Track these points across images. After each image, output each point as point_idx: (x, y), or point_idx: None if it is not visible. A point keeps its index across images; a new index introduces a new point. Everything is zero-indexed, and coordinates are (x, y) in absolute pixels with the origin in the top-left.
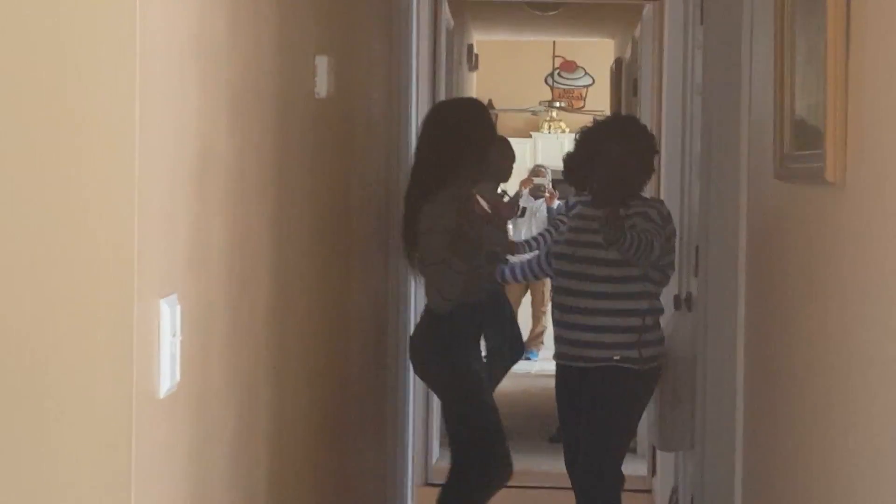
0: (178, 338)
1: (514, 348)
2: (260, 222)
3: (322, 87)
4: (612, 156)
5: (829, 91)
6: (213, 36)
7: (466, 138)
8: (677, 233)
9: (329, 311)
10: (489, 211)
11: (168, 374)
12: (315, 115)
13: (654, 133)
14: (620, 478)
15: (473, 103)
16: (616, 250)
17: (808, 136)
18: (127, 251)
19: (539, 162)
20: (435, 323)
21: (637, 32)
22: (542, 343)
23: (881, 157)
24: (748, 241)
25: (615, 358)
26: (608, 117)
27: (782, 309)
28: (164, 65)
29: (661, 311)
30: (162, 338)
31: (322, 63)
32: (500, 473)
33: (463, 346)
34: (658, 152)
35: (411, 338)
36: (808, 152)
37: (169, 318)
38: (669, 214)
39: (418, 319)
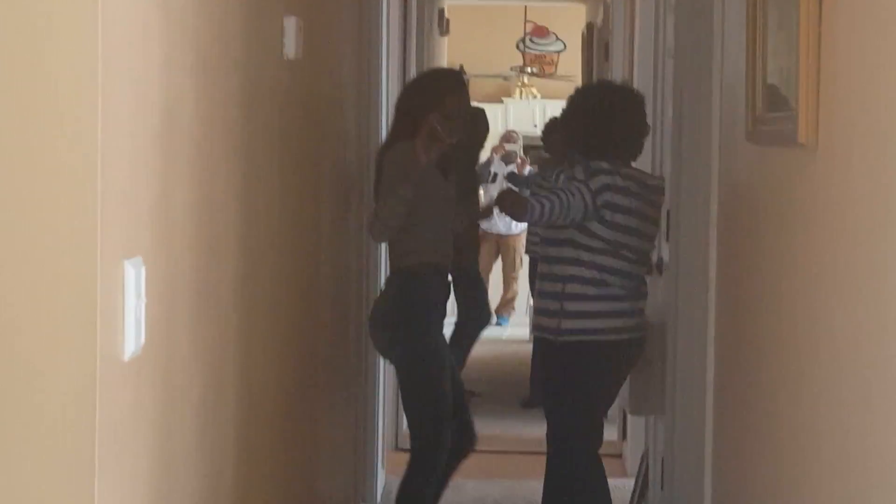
0: (143, 300)
1: (483, 315)
2: (227, 186)
3: (290, 48)
4: (603, 106)
5: (802, 53)
6: None
7: (437, 102)
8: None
9: (299, 276)
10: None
11: (133, 336)
12: (283, 76)
13: None
14: (577, 450)
15: (453, 73)
16: (529, 223)
17: (779, 99)
18: (90, 212)
19: (511, 127)
20: (400, 286)
21: None
22: (513, 309)
23: (852, 120)
24: (720, 205)
25: (544, 325)
26: (596, 85)
27: (754, 274)
28: (127, 25)
29: (596, 281)
30: (126, 300)
31: (290, 24)
32: (463, 441)
33: (426, 312)
34: (637, 117)
35: (374, 303)
36: (780, 114)
37: (133, 279)
38: (605, 170)
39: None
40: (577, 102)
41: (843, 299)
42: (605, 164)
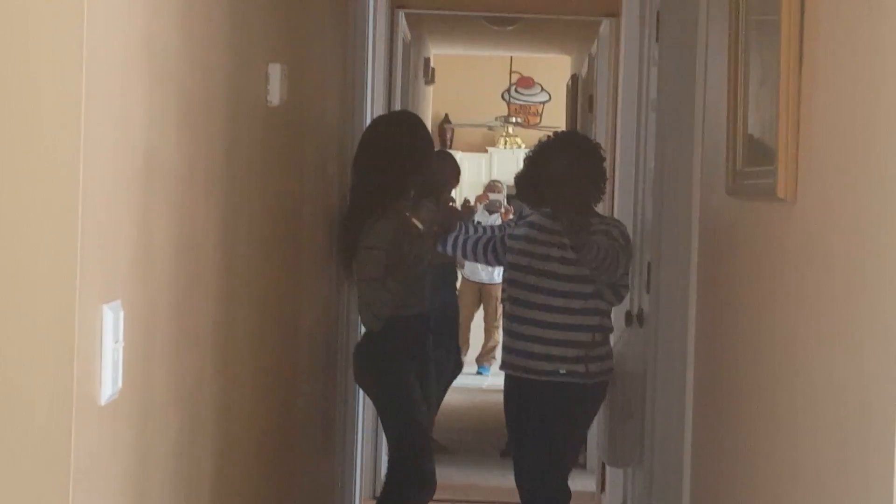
0: (121, 344)
1: (455, 363)
2: (207, 230)
3: (275, 94)
4: (558, 172)
5: (782, 109)
6: (163, 41)
7: (403, 153)
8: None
9: (277, 320)
10: (426, 225)
11: (110, 380)
12: (266, 122)
13: (606, 147)
14: (566, 492)
15: (408, 117)
16: (582, 258)
17: (760, 153)
18: (69, 256)
19: (495, 177)
20: (370, 337)
21: (593, 49)
22: (493, 358)
23: (831, 175)
24: (700, 257)
25: (561, 372)
26: (551, 136)
27: (732, 326)
28: (111, 69)
29: (610, 329)
30: (104, 344)
31: (275, 71)
32: (421, 491)
33: (398, 360)
34: (605, 160)
35: (354, 349)
36: (759, 168)
37: (112, 323)
38: (629, 235)
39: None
40: (529, 159)
41: (821, 351)
42: (622, 224)
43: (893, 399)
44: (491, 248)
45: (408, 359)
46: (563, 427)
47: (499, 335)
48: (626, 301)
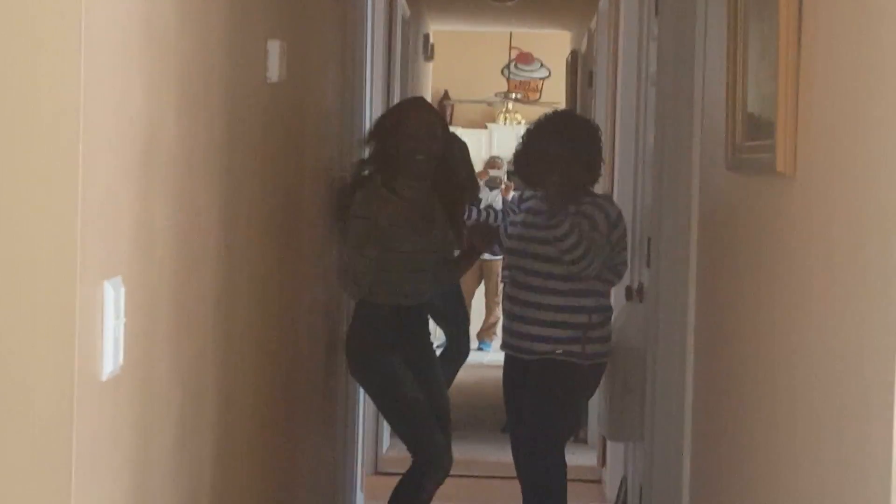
0: (123, 320)
1: (462, 350)
2: (208, 208)
3: (273, 71)
4: (549, 154)
5: (781, 83)
6: (162, 20)
7: (387, 131)
8: (629, 228)
9: (279, 299)
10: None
11: (111, 356)
12: (266, 100)
13: (606, 122)
14: (560, 466)
15: (407, 100)
16: (562, 251)
17: (759, 128)
18: (70, 232)
19: (495, 153)
20: (350, 330)
21: (593, 24)
22: (494, 334)
23: (830, 149)
24: (700, 233)
25: (558, 352)
26: (546, 116)
27: (732, 300)
28: (110, 46)
29: (609, 308)
30: (105, 320)
31: (274, 47)
32: (429, 473)
33: (378, 351)
34: (600, 142)
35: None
36: (759, 143)
37: (113, 299)
38: (620, 215)
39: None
40: (527, 133)
41: (820, 326)
42: (618, 208)
43: (893, 356)
44: (497, 241)
45: (387, 349)
46: (557, 405)
47: (499, 311)
48: (627, 276)
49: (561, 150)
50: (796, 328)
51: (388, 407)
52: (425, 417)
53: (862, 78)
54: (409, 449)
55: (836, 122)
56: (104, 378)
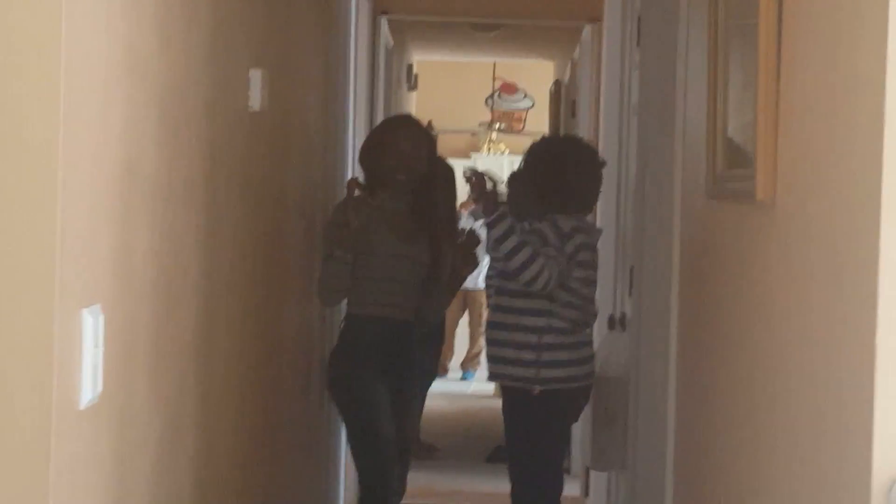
0: (101, 349)
1: (430, 371)
2: (188, 236)
3: (256, 100)
4: (576, 171)
5: (760, 112)
6: (143, 48)
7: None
8: (610, 257)
9: (260, 327)
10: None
11: (90, 385)
12: (248, 128)
13: None
14: (548, 496)
15: (393, 118)
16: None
17: (739, 156)
18: (48, 260)
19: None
20: (339, 337)
21: (576, 54)
22: (478, 363)
23: (809, 177)
24: (682, 261)
25: (508, 374)
26: (556, 137)
27: (714, 329)
28: (91, 74)
29: (565, 331)
30: (84, 348)
31: (256, 76)
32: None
33: (358, 365)
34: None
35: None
36: (739, 171)
37: (91, 328)
38: (574, 228)
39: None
40: (538, 154)
41: (800, 354)
42: (576, 223)
43: (870, 397)
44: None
45: (370, 372)
46: (511, 434)
47: (483, 341)
48: (609, 305)
49: (542, 167)
50: (777, 355)
51: (355, 434)
52: (388, 456)
53: (840, 107)
54: (360, 477)
55: (816, 150)
56: (82, 407)
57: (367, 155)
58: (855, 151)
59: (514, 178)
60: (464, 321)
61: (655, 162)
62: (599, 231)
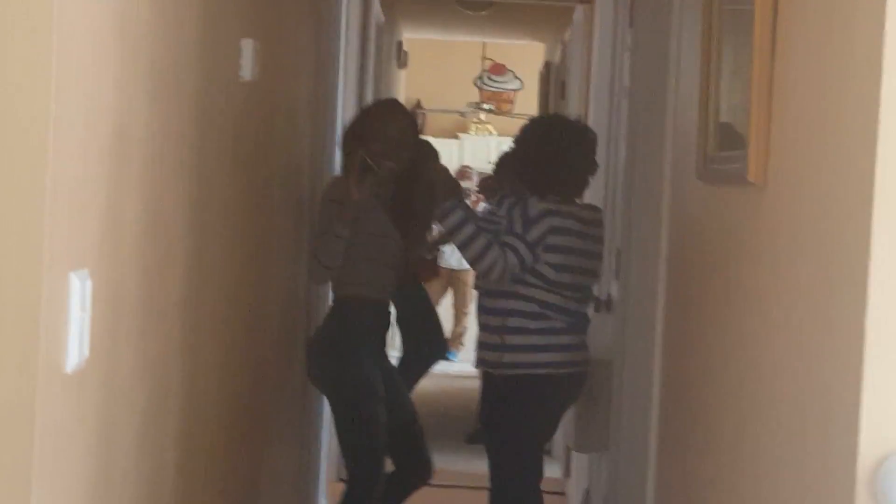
0: (88, 313)
1: (434, 347)
2: (177, 203)
3: (247, 70)
4: (552, 141)
5: (754, 94)
6: (135, 16)
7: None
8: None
9: (245, 300)
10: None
11: (76, 349)
12: (239, 98)
13: None
14: (519, 484)
15: (387, 101)
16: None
17: (731, 138)
18: (36, 222)
19: (466, 163)
20: (333, 316)
21: (567, 35)
22: (461, 344)
23: (801, 160)
24: (670, 244)
25: (481, 359)
26: (543, 118)
27: (700, 312)
28: (82, 41)
29: (534, 315)
30: (71, 312)
31: (247, 46)
32: (371, 482)
33: (357, 343)
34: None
35: (315, 331)
36: (731, 153)
37: (79, 291)
38: (544, 212)
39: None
40: (528, 134)
41: (788, 336)
42: (547, 205)
43: (857, 381)
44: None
45: (369, 346)
46: (490, 419)
47: (467, 321)
48: (596, 288)
49: (530, 148)
50: (764, 339)
51: (347, 417)
52: (379, 438)
53: (833, 91)
54: (350, 461)
55: (808, 133)
56: (69, 371)
57: (354, 140)
58: (848, 136)
59: (502, 159)
60: (449, 301)
61: (645, 145)
62: (593, 211)
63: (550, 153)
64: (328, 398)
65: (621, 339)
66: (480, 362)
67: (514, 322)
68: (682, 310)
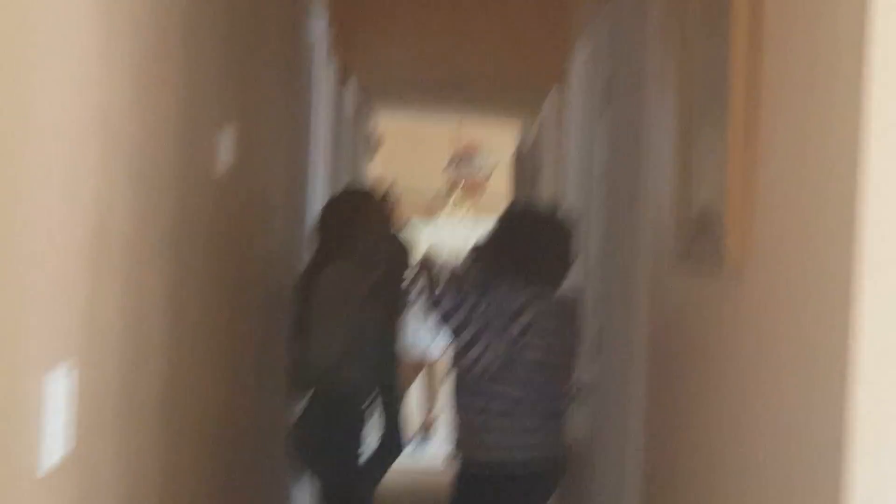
0: (69, 409)
1: (396, 443)
2: (157, 296)
3: (224, 158)
4: (531, 237)
5: (730, 181)
6: (116, 105)
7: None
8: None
9: (224, 389)
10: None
11: (55, 446)
12: (215, 191)
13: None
14: None
15: (368, 192)
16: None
17: (708, 225)
18: (12, 319)
19: (440, 244)
20: (328, 410)
21: (542, 114)
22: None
23: (776, 249)
24: (648, 331)
25: (450, 452)
26: (518, 209)
27: (679, 399)
28: (62, 130)
29: (506, 413)
30: (45, 412)
31: (225, 136)
32: None
33: (349, 436)
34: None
35: (296, 424)
36: (706, 241)
37: (54, 391)
38: (525, 304)
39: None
40: (499, 228)
41: (767, 426)
42: (529, 297)
43: (837, 472)
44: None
45: (354, 448)
46: None
47: (436, 411)
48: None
49: (508, 244)
50: (744, 425)
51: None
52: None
53: (812, 179)
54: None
55: (786, 221)
56: (41, 475)
57: (329, 227)
58: (824, 223)
59: (477, 250)
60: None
61: (621, 227)
62: (572, 302)
63: (529, 245)
64: (321, 484)
65: (598, 425)
66: (453, 456)
67: (487, 418)
68: (661, 395)
